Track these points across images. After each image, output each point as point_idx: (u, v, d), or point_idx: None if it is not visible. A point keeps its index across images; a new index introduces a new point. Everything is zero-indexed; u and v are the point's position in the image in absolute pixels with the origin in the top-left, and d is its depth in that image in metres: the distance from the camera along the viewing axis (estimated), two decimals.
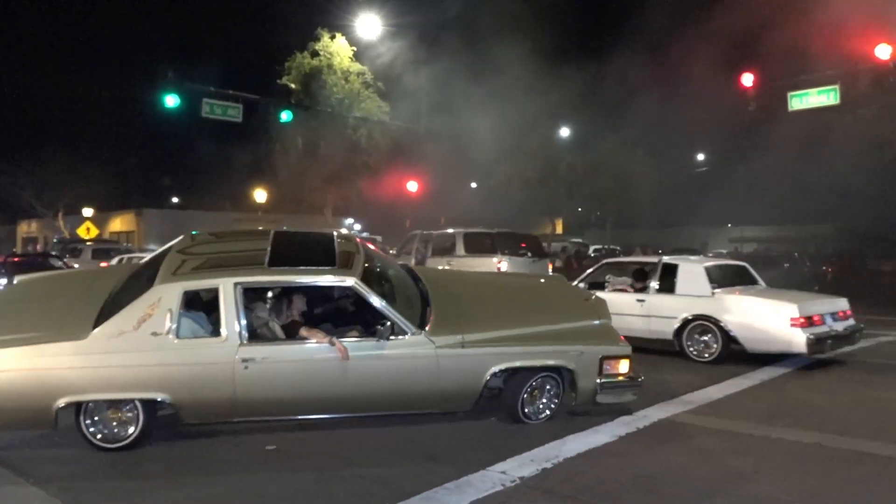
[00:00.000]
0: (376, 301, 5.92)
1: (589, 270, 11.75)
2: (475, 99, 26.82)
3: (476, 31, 27.98)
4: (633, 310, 9.97)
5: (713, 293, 9.52)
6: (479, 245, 16.57)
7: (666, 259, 10.50)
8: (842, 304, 9.71)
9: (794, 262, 22.89)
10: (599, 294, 8.74)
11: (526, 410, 6.30)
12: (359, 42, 26.92)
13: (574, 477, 5.05)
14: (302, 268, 6.05)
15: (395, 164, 28.00)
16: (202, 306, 6.08)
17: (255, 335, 5.82)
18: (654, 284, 10.06)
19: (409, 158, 28.32)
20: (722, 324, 9.32)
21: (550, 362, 6.21)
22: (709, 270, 9.82)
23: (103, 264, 21.39)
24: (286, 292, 6.43)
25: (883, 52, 16.85)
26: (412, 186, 27.52)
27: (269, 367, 5.67)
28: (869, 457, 5.57)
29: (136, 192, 49.04)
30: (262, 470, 5.31)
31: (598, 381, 6.27)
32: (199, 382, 5.59)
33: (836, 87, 17.62)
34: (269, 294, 6.48)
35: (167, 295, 5.61)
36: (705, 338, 9.52)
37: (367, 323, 6.27)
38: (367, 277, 6.09)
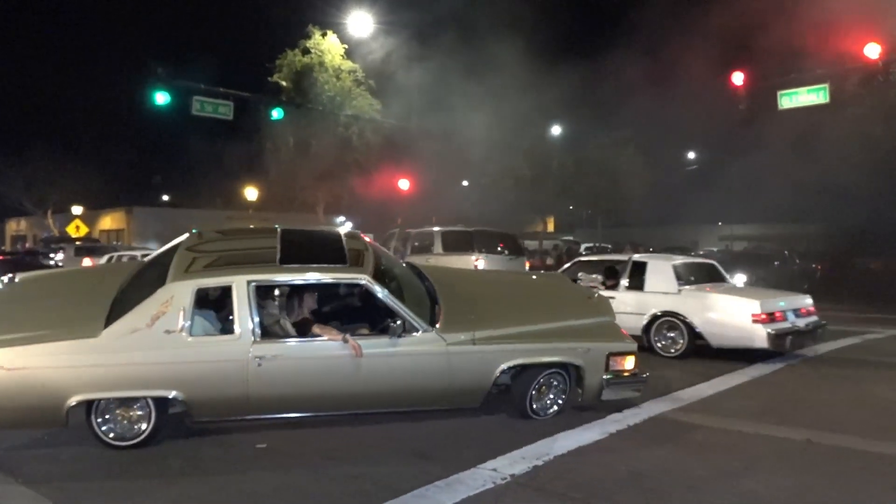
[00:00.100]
0: (388, 299, 5.97)
1: (563, 268, 12.00)
2: (467, 97, 26.82)
3: (468, 30, 27.99)
4: None
5: (679, 290, 9.78)
6: (457, 243, 16.87)
7: (636, 257, 10.82)
8: (805, 301, 9.97)
9: (785, 260, 22.97)
10: None
11: (534, 406, 6.38)
12: (350, 40, 26.89)
13: (565, 474, 5.07)
14: (315, 265, 6.10)
15: (387, 161, 27.96)
16: (210, 304, 6.08)
17: (268, 333, 5.82)
18: (625, 282, 10.30)
19: (400, 156, 28.29)
20: (688, 320, 9.57)
21: (559, 359, 6.30)
22: (676, 268, 10.11)
23: (87, 261, 21.31)
24: (297, 290, 6.44)
25: (872, 51, 16.93)
26: (404, 184, 27.49)
27: (282, 364, 5.70)
28: (857, 453, 5.61)
29: (126, 190, 48.83)
30: (253, 468, 5.29)
31: (604, 377, 6.38)
32: (212, 380, 5.60)
33: (826, 85, 17.68)
34: (276, 292, 6.47)
35: (180, 292, 5.60)
36: (672, 334, 9.75)
37: (374, 320, 6.34)
38: (378, 275, 6.14)
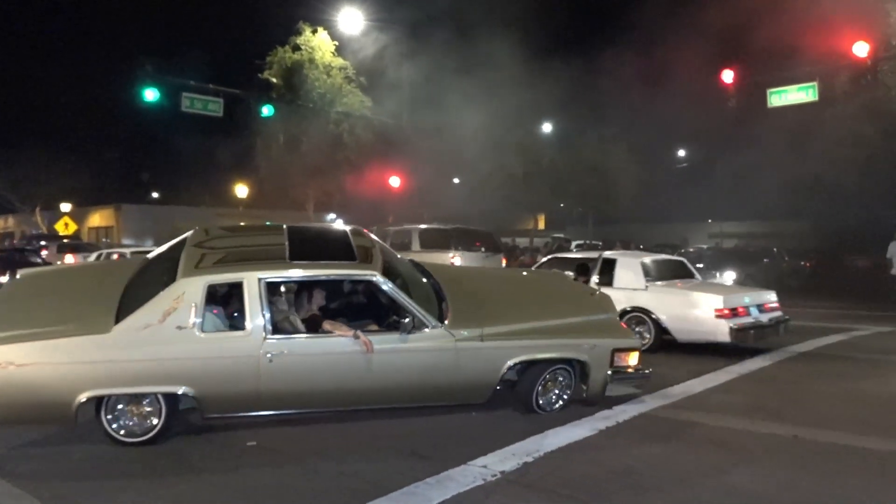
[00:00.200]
0: (399, 295, 6.02)
1: (536, 264, 12.31)
2: (458, 95, 26.78)
3: (458, 27, 27.94)
4: None
5: (647, 286, 10.00)
6: (434, 241, 17.28)
7: (606, 254, 11.11)
8: (768, 296, 10.26)
9: (773, 257, 23.13)
10: None
11: (540, 402, 6.45)
12: (341, 37, 26.83)
13: (555, 471, 5.08)
14: (325, 262, 6.13)
15: (378, 159, 27.92)
16: (220, 300, 6.07)
17: (278, 329, 5.83)
18: (595, 278, 10.45)
19: (391, 154, 28.26)
20: (654, 315, 9.82)
21: (565, 355, 6.39)
22: (644, 265, 10.40)
23: (69, 258, 21.18)
24: (306, 286, 6.46)
25: (861, 49, 17.04)
26: (395, 182, 27.48)
27: (293, 360, 5.71)
28: (844, 448, 5.66)
29: (115, 187, 48.60)
30: (242, 466, 5.28)
31: (608, 372, 6.47)
32: (224, 376, 5.60)
33: (815, 84, 17.80)
34: (283, 288, 6.48)
35: (191, 289, 5.60)
36: (640, 328, 9.92)
37: (378, 317, 6.41)
38: (387, 272, 6.18)
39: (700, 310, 9.49)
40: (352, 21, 25.15)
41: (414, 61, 26.94)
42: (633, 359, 6.61)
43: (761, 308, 9.88)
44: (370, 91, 27.39)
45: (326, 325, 6.01)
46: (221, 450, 5.63)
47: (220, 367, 5.60)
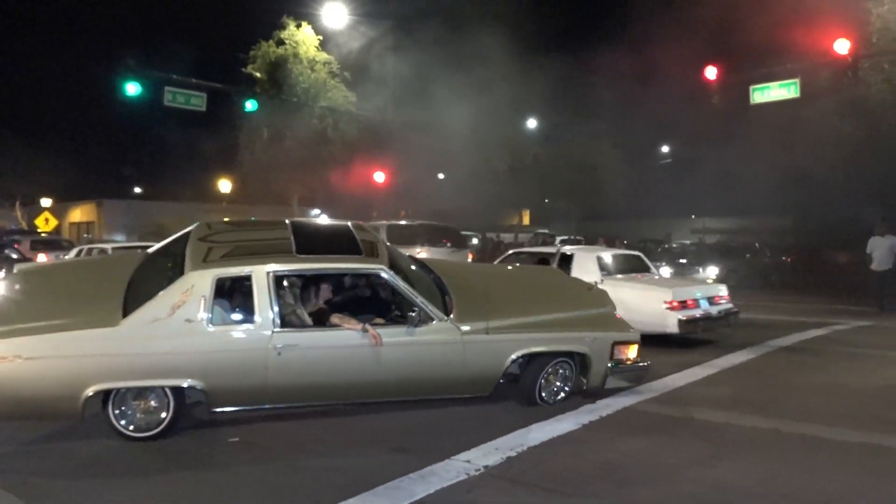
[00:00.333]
0: (406, 289, 6.09)
1: (499, 259, 12.58)
2: (442, 90, 26.74)
3: (443, 22, 27.86)
4: None
5: (602, 280, 10.18)
6: (402, 236, 17.58)
7: (564, 249, 11.45)
8: (718, 289, 10.62)
9: (756, 252, 23.31)
10: None
11: (543, 394, 6.55)
12: (325, 31, 26.69)
13: (538, 465, 5.10)
14: (333, 256, 6.19)
15: (362, 154, 27.84)
16: (226, 294, 6.05)
17: (285, 322, 5.83)
18: None
19: (376, 149, 28.18)
20: None
21: (568, 348, 6.54)
22: (600, 259, 10.79)
23: (42, 256, 20.96)
24: (312, 280, 6.48)
25: (842, 47, 17.18)
26: (379, 177, 27.41)
27: (302, 353, 5.74)
28: (824, 441, 5.73)
29: (96, 182, 48.09)
30: (225, 462, 5.25)
31: (608, 365, 6.62)
32: (232, 369, 5.61)
33: (797, 80, 17.91)
34: (285, 283, 6.47)
35: (200, 282, 5.59)
36: None
37: (381, 311, 6.45)
38: (392, 266, 6.25)
39: (651, 302, 9.74)
40: (336, 16, 25.02)
41: (398, 56, 26.90)
42: (632, 351, 6.79)
43: (711, 301, 10.23)
44: (355, 86, 27.29)
45: (334, 318, 6.05)
46: (204, 446, 5.59)
47: (229, 360, 5.61)
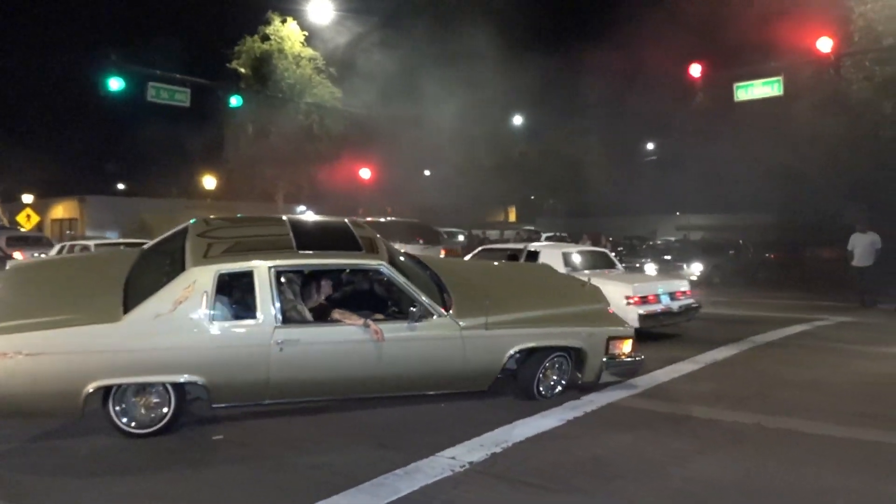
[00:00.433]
0: (407, 285, 6.14)
1: (470, 255, 12.74)
2: (428, 87, 26.72)
3: (429, 19, 27.85)
4: None
5: None
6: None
7: (531, 245, 11.72)
8: (680, 284, 10.86)
9: (740, 249, 23.47)
10: None
11: (541, 389, 6.64)
12: (310, 27, 26.58)
13: (523, 461, 5.11)
14: (334, 251, 6.24)
15: (348, 151, 27.77)
16: (227, 290, 6.02)
17: (286, 318, 5.83)
18: None
19: (361, 145, 28.11)
20: None
21: (566, 343, 6.63)
22: (565, 255, 10.96)
23: (17, 255, 20.71)
24: (313, 276, 6.50)
25: (824, 45, 17.33)
26: (365, 173, 27.35)
27: (304, 348, 5.75)
28: (806, 436, 5.78)
29: (79, 178, 47.64)
30: (209, 460, 5.22)
31: (604, 359, 6.70)
32: (235, 364, 5.60)
33: (780, 78, 18.04)
34: (282, 279, 6.46)
35: (202, 278, 5.58)
36: None
37: (378, 307, 6.50)
38: (391, 262, 6.28)
39: (612, 297, 9.81)
40: (321, 11, 24.91)
41: (384, 52, 26.83)
42: (626, 346, 6.89)
43: (672, 296, 10.42)
44: (341, 82, 27.20)
45: (336, 314, 6.07)
46: (188, 444, 5.55)
47: (231, 355, 5.60)
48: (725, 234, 30.61)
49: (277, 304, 5.73)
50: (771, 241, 26.29)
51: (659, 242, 30.00)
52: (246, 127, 26.64)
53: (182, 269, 5.70)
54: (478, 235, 33.09)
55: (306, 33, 26.72)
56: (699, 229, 39.94)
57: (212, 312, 5.56)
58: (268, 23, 26.40)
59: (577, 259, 11.13)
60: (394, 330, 5.99)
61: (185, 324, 5.50)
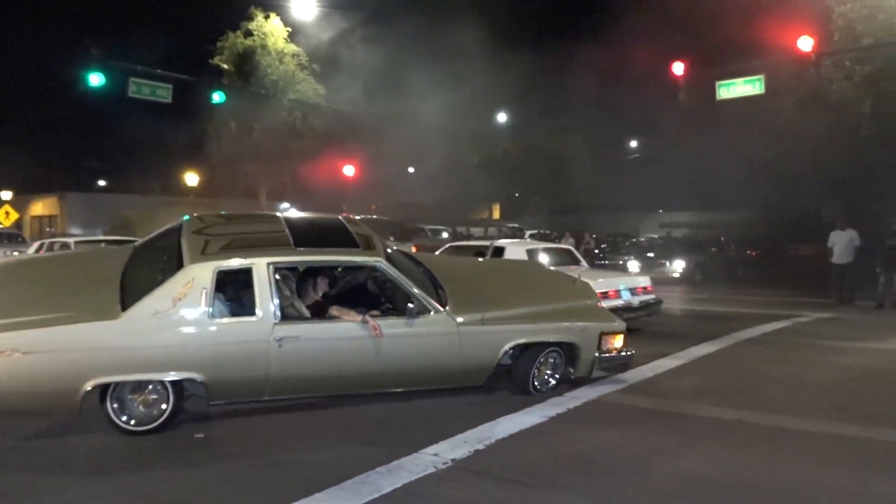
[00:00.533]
0: (403, 280, 6.17)
1: (438, 251, 12.98)
2: (412, 84, 26.69)
3: (413, 16, 27.77)
4: None
5: None
6: None
7: (497, 242, 11.95)
8: (641, 281, 11.09)
9: (721, 246, 23.67)
10: None
11: (536, 384, 6.72)
12: (294, 23, 26.44)
13: (506, 457, 5.12)
14: (333, 248, 6.24)
15: (332, 148, 27.66)
16: (225, 287, 5.99)
17: (285, 315, 5.83)
18: None
19: (345, 142, 28.01)
20: None
21: (560, 338, 6.71)
22: (529, 252, 11.21)
23: None
24: (309, 273, 6.51)
25: (805, 44, 17.51)
26: (349, 171, 27.26)
27: (303, 345, 5.75)
28: (786, 431, 5.83)
29: (59, 175, 47.00)
30: (191, 459, 5.17)
31: (596, 354, 6.79)
32: (234, 361, 5.59)
33: (762, 77, 18.21)
34: (277, 276, 6.42)
35: (201, 275, 5.56)
36: None
37: (372, 303, 6.53)
38: (389, 259, 6.32)
39: None
40: (305, 7, 24.79)
41: (367, 49, 26.75)
42: (618, 341, 6.97)
43: (633, 291, 10.63)
44: (324, 79, 27.08)
45: (334, 310, 6.08)
46: (169, 442, 5.50)
47: (231, 352, 5.59)
48: (708, 231, 30.88)
49: (276, 301, 5.74)
50: (752, 238, 26.55)
51: (642, 240, 30.21)
52: (228, 123, 26.45)
53: (179, 266, 5.68)
54: (462, 233, 33.13)
55: (289, 29, 26.58)
56: (682, 226, 40.24)
57: (211, 309, 5.55)
58: (250, 18, 26.23)
59: (541, 256, 11.30)
60: (392, 326, 6.02)
61: (184, 321, 5.49)
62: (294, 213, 7.09)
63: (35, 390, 5.19)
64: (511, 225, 40.69)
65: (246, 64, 25.84)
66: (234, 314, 5.77)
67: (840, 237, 14.83)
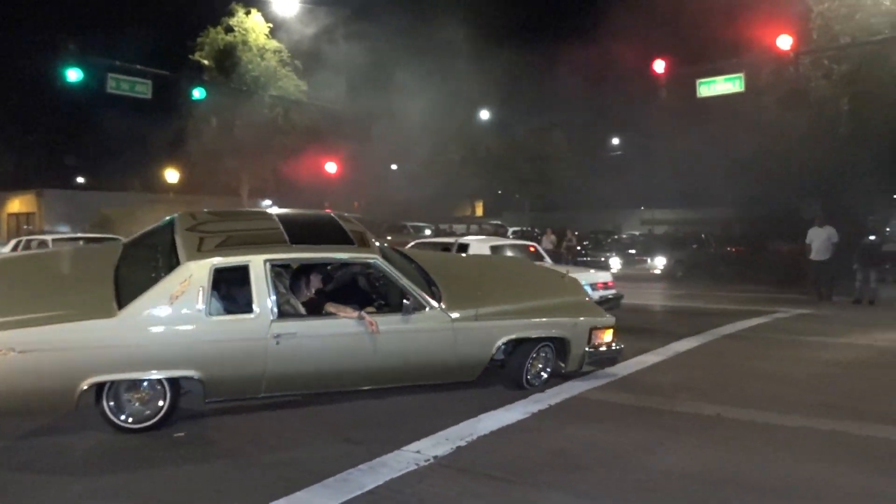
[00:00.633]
0: (399, 277, 6.19)
1: (407, 246, 12.87)
2: (395, 80, 26.65)
3: (396, 13, 27.70)
4: None
5: None
6: None
7: (461, 239, 12.19)
8: (602, 276, 11.33)
9: (702, 243, 23.85)
10: None
11: (528, 378, 6.80)
12: (275, 19, 26.28)
13: (488, 454, 5.13)
14: (328, 245, 6.25)
15: (314, 144, 27.53)
16: (221, 284, 5.93)
17: (282, 312, 5.81)
18: None
19: (327, 139, 27.90)
20: None
21: (552, 333, 6.79)
22: (493, 248, 11.39)
23: None
24: (303, 270, 6.50)
25: (784, 42, 17.68)
26: (331, 168, 27.15)
27: (300, 342, 5.75)
28: (765, 426, 5.89)
29: (36, 172, 46.38)
30: (171, 458, 5.12)
31: (586, 349, 6.89)
32: (231, 359, 5.58)
33: (742, 75, 18.36)
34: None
35: (198, 272, 5.52)
36: None
37: (367, 301, 6.56)
38: (384, 255, 6.34)
39: None
40: (286, 3, 24.64)
41: (350, 46, 26.66)
42: (608, 336, 7.08)
43: (594, 287, 10.72)
44: (306, 75, 26.95)
45: (329, 307, 6.08)
46: (149, 442, 5.44)
47: (228, 350, 5.58)
48: (689, 228, 31.11)
49: (273, 298, 5.72)
50: (733, 235, 26.75)
51: (624, 237, 30.40)
52: (209, 120, 26.28)
53: (175, 263, 5.64)
54: (445, 230, 33.08)
55: (271, 25, 26.43)
56: (663, 224, 40.54)
57: (207, 307, 5.52)
58: (231, 14, 26.06)
59: (504, 251, 11.44)
60: (388, 322, 6.05)
61: (181, 318, 5.45)
62: (282, 210, 7.07)
63: (31, 389, 5.14)
64: (493, 222, 40.73)
65: (227, 60, 25.67)
66: (231, 311, 5.75)
67: (818, 234, 14.99)
